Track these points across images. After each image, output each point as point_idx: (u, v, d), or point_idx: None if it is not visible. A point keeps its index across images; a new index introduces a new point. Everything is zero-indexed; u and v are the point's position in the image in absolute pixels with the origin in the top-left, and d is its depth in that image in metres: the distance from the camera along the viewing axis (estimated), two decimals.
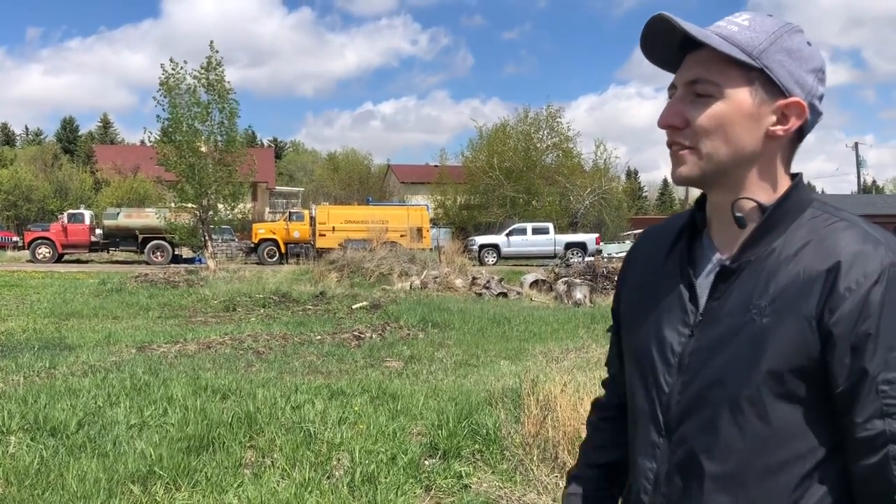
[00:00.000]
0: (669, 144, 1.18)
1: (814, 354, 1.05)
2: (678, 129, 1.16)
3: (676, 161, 1.18)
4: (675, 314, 1.19)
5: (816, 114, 1.17)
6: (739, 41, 1.12)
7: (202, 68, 23.46)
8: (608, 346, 1.49)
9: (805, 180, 1.23)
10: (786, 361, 1.06)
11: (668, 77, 1.21)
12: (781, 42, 1.13)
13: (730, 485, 1.10)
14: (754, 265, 1.13)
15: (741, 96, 1.13)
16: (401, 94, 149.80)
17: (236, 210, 25.68)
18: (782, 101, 1.14)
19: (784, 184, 1.18)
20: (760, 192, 1.16)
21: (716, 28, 1.14)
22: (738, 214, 1.15)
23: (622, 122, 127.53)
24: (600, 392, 1.53)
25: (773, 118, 1.14)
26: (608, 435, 1.42)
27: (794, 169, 1.21)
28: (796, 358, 1.06)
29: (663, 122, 1.17)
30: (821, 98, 1.17)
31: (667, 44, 1.18)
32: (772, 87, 1.13)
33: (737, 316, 1.11)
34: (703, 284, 1.18)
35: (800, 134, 1.17)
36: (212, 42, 23.70)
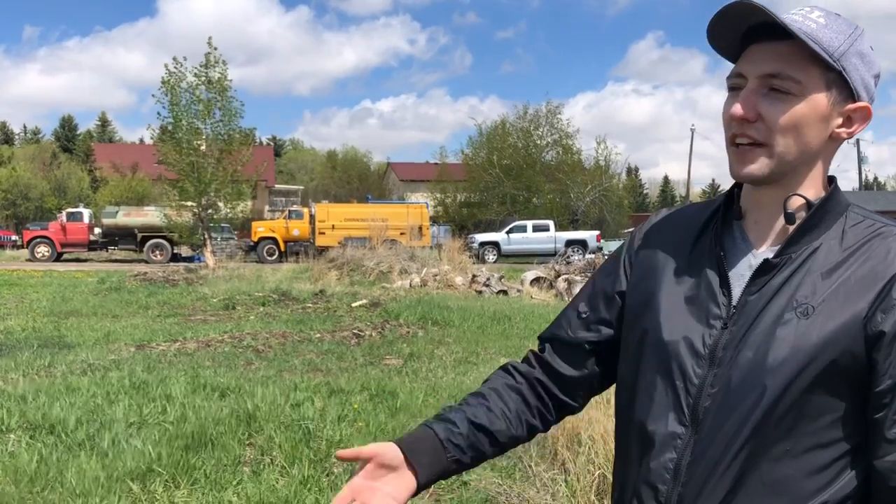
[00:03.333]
0: (734, 136, 1.15)
1: (858, 354, 1.07)
2: (750, 122, 1.13)
3: (743, 158, 1.15)
4: (704, 304, 1.18)
5: (870, 118, 1.18)
6: (821, 40, 1.10)
7: (201, 66, 23.46)
8: (561, 313, 1.39)
9: None
10: (827, 360, 1.07)
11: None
12: (856, 45, 1.13)
13: (755, 475, 1.10)
14: (796, 262, 1.13)
15: (819, 97, 1.12)
16: (399, 93, 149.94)
17: (237, 209, 25.65)
18: (852, 105, 1.14)
19: (825, 183, 1.20)
20: (810, 190, 1.17)
21: (792, 22, 1.11)
22: (789, 211, 1.15)
23: (620, 120, 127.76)
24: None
25: (840, 120, 1.15)
26: (507, 405, 1.32)
27: None
28: (839, 357, 1.07)
29: (738, 115, 1.13)
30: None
31: (732, 30, 1.16)
32: (844, 90, 1.13)
33: (776, 312, 1.11)
34: (736, 276, 1.17)
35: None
36: (210, 39, 23.65)
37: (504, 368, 1.40)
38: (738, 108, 1.13)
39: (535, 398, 1.35)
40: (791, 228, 1.16)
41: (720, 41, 1.18)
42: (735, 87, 1.16)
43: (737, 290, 1.16)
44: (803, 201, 1.16)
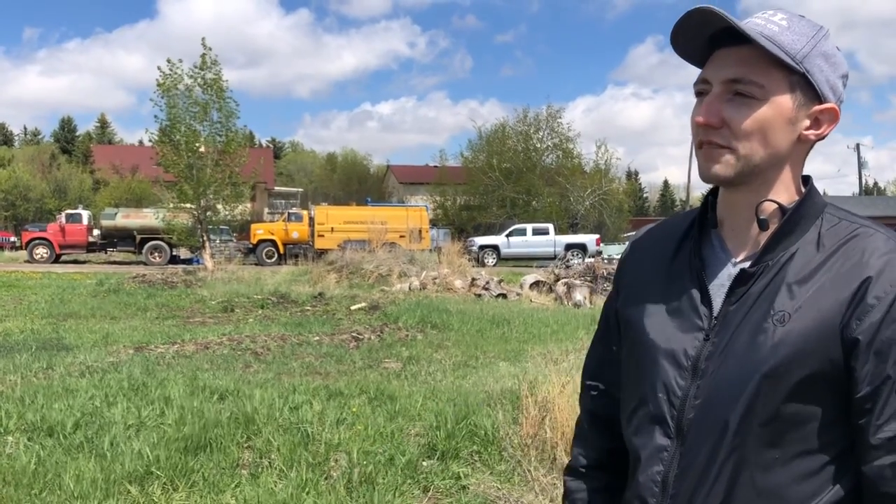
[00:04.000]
0: (701, 142, 1.16)
1: (836, 360, 1.07)
2: (714, 128, 1.13)
3: (709, 158, 1.15)
4: (685, 317, 1.18)
5: (839, 119, 1.18)
6: (783, 43, 1.10)
7: (197, 67, 23.43)
8: (588, 365, 1.42)
9: None
10: (806, 367, 1.07)
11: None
12: (820, 47, 1.13)
13: (747, 483, 1.09)
14: (773, 270, 1.13)
15: (783, 100, 1.12)
16: (399, 95, 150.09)
17: (236, 211, 25.61)
18: (818, 107, 1.14)
19: (799, 186, 1.19)
20: (783, 194, 1.17)
21: (755, 26, 1.12)
22: (762, 217, 1.15)
23: (620, 123, 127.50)
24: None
25: (807, 122, 1.15)
26: None
27: None
28: (818, 364, 1.07)
29: (702, 121, 1.13)
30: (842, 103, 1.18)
31: (696, 36, 1.16)
32: (809, 92, 1.13)
33: (756, 321, 1.11)
34: (717, 287, 1.17)
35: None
36: (203, 39, 23.56)
37: (574, 474, 1.40)
38: (700, 115, 1.14)
39: (621, 479, 1.32)
40: (766, 235, 1.15)
41: (685, 47, 1.19)
42: (701, 92, 1.17)
43: (717, 301, 1.16)
44: (776, 206, 1.15)
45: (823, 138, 1.17)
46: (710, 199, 1.24)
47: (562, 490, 1.43)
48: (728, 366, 1.11)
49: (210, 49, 23.47)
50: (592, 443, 1.38)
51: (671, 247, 1.26)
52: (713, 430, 1.10)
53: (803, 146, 1.17)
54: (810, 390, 1.07)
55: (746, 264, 1.15)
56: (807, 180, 1.20)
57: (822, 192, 1.22)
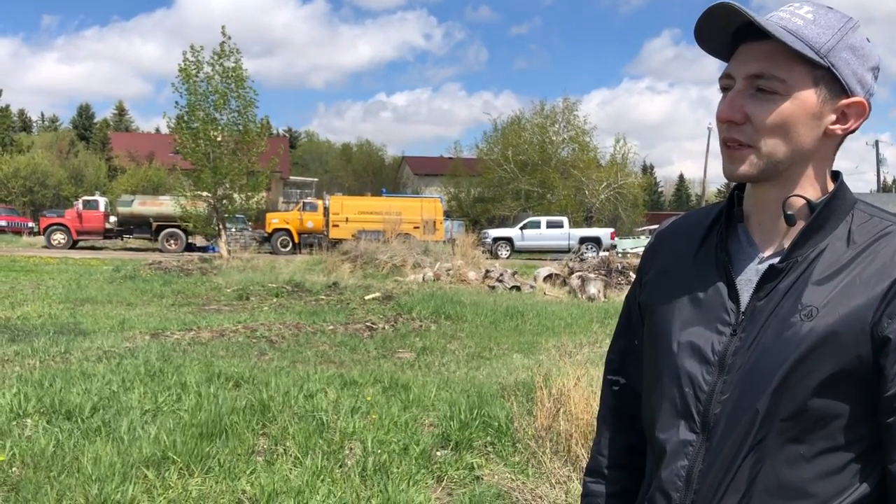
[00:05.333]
0: (725, 139, 1.15)
1: (865, 357, 1.06)
2: (737, 125, 1.12)
3: (733, 158, 1.14)
4: (712, 311, 1.17)
5: (869, 112, 1.15)
6: (806, 37, 1.09)
7: (216, 55, 23.52)
8: (609, 357, 1.42)
9: None
10: (834, 363, 1.06)
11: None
12: (847, 39, 1.11)
13: (771, 478, 1.09)
14: (802, 265, 1.12)
15: (807, 95, 1.10)
16: (414, 87, 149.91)
17: (252, 201, 25.71)
18: (845, 101, 1.12)
19: (828, 181, 1.18)
20: (810, 189, 1.15)
21: (778, 20, 1.10)
22: (789, 212, 1.14)
23: (634, 117, 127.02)
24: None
25: (833, 117, 1.13)
26: None
27: None
28: (846, 360, 1.06)
29: (724, 117, 1.13)
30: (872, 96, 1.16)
31: (720, 31, 1.14)
32: (835, 86, 1.11)
33: (783, 316, 1.10)
34: (744, 282, 1.16)
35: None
36: (223, 27, 23.69)
37: (595, 475, 1.41)
38: (722, 112, 1.13)
39: (641, 479, 1.31)
40: (795, 230, 1.14)
41: (710, 42, 1.17)
42: (726, 87, 1.15)
43: (745, 295, 1.15)
44: (804, 202, 1.14)
45: (852, 132, 1.15)
46: (737, 193, 1.23)
47: (580, 490, 1.43)
48: (755, 361, 1.10)
49: (229, 38, 23.58)
50: (613, 440, 1.39)
51: (697, 239, 1.25)
52: (740, 424, 1.10)
53: (831, 141, 1.15)
54: (837, 386, 1.06)
55: (775, 260, 1.14)
56: (836, 176, 1.19)
57: None
